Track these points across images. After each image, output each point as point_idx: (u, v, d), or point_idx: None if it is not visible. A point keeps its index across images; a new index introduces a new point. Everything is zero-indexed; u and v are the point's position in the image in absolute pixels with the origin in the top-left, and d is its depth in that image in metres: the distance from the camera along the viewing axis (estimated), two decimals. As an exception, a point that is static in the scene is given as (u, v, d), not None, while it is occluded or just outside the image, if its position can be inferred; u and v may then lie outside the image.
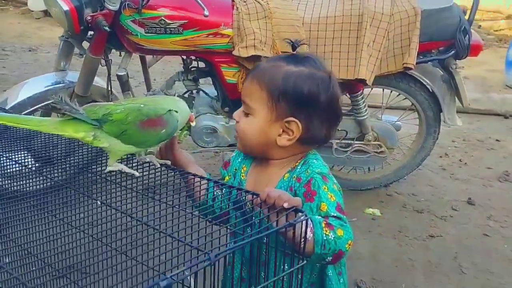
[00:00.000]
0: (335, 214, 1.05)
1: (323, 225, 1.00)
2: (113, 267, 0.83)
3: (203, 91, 2.76)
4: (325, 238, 0.98)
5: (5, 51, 6.44)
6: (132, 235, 0.94)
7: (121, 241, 0.93)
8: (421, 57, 2.59)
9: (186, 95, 2.74)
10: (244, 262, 1.18)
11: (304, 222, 0.92)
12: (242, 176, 1.25)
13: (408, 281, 2.23)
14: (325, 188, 1.10)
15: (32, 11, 8.25)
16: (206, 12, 2.27)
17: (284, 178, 1.17)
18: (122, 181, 1.14)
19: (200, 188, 1.15)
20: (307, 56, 1.19)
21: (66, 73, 2.60)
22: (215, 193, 1.19)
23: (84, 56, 2.49)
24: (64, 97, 1.09)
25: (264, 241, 0.97)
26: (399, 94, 2.83)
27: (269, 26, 2.43)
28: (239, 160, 1.29)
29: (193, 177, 1.16)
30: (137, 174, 1.12)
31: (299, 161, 1.19)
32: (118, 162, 1.14)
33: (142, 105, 1.13)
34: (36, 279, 0.86)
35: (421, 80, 2.71)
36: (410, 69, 2.51)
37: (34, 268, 1.17)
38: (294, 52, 1.20)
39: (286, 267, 1.01)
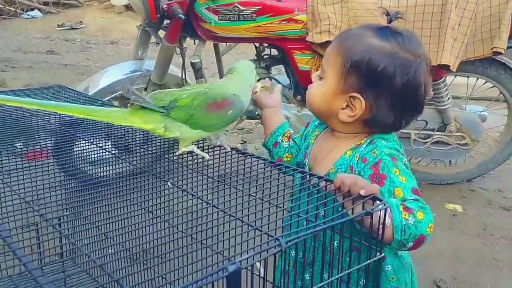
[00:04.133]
0: (412, 198, 0.97)
1: (401, 209, 0.92)
2: (180, 249, 0.81)
3: (275, 79, 2.72)
4: (404, 223, 0.91)
5: (89, 44, 6.80)
6: (198, 218, 0.92)
7: (186, 224, 0.91)
8: (513, 41, 2.37)
9: (258, 83, 2.71)
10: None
11: (383, 211, 0.85)
12: (311, 139, 1.21)
13: (493, 283, 2.07)
14: (396, 171, 1.00)
15: (115, 6, 8.65)
16: (280, -3, 2.22)
17: (346, 156, 1.08)
18: (195, 167, 1.13)
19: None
20: (400, 32, 1.07)
21: (143, 62, 2.67)
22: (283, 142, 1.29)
23: (160, 44, 2.53)
24: (131, 87, 1.12)
25: (338, 229, 0.91)
26: (486, 82, 2.62)
27: (344, 11, 2.34)
28: (316, 123, 1.24)
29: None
30: (207, 156, 1.11)
31: (364, 139, 1.09)
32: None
33: (207, 89, 1.13)
34: (113, 262, 0.87)
35: (512, 67, 2.50)
36: (500, 53, 2.31)
37: (111, 251, 1.19)
38: (388, 25, 1.10)
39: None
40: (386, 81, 1.03)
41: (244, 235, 0.78)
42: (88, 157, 1.49)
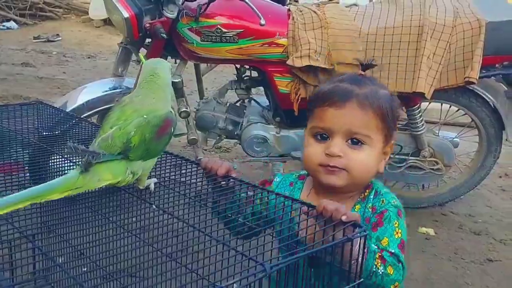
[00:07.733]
0: (393, 251, 1.02)
1: (377, 256, 0.97)
2: (164, 273, 0.82)
3: (255, 100, 2.75)
4: (374, 269, 0.96)
5: (65, 57, 6.73)
6: (183, 242, 0.93)
7: (172, 248, 0.92)
8: (484, 71, 2.46)
9: (238, 104, 2.74)
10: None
11: (362, 239, 0.88)
12: None
13: (464, 307, 2.12)
14: (396, 223, 1.06)
15: (93, 19, 8.61)
16: (263, 21, 2.27)
17: (355, 209, 1.13)
18: (175, 186, 1.14)
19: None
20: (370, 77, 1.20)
21: (123, 79, 2.66)
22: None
23: (141, 62, 2.53)
24: (74, 145, 0.95)
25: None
26: (458, 110, 2.71)
27: (324, 36, 2.40)
28: (288, 192, 1.24)
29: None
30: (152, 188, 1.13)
31: (368, 191, 1.16)
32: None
33: (145, 116, 1.05)
34: (89, 281, 0.86)
35: (483, 96, 2.59)
36: (472, 83, 2.39)
37: (85, 269, 1.18)
38: (363, 73, 1.19)
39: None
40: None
41: (227, 259, 0.79)
42: (63, 172, 1.47)
